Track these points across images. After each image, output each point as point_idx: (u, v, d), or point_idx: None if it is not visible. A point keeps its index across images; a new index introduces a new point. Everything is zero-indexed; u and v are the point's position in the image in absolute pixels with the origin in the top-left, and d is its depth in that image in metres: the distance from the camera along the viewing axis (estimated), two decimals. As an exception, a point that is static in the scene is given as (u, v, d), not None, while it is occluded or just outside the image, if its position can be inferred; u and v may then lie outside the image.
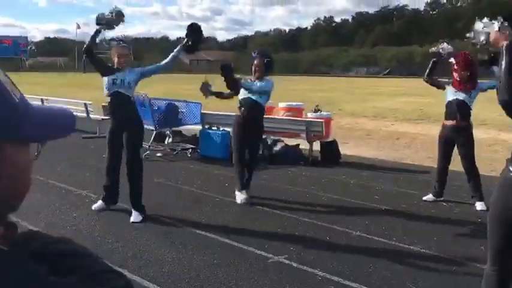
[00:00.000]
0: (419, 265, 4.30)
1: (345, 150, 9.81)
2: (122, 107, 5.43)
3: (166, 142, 9.84)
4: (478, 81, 5.91)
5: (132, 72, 5.46)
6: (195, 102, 9.80)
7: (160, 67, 5.63)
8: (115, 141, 5.50)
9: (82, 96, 15.16)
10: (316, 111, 9.17)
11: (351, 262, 4.29)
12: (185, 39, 5.64)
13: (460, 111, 5.86)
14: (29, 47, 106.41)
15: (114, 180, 5.64)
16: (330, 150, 8.76)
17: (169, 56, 5.60)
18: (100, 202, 5.70)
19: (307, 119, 8.90)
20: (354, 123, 14.86)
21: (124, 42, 5.53)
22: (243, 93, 6.16)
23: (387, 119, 15.78)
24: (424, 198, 6.22)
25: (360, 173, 7.85)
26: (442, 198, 6.20)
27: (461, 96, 5.88)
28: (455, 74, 5.90)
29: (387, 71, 73.94)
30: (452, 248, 4.67)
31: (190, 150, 9.44)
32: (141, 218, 5.37)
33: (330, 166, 8.39)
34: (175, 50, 5.58)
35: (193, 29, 5.61)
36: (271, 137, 8.94)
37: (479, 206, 5.84)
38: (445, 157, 6.10)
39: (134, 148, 5.45)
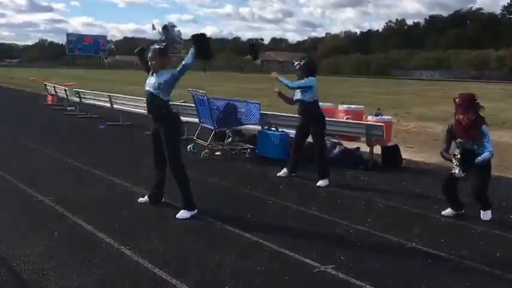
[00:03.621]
0: (481, 285, 3.95)
1: (408, 154, 9.46)
2: (151, 105, 5.60)
3: (225, 141, 9.78)
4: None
5: (164, 73, 5.48)
6: (254, 103, 9.70)
7: (185, 67, 5.49)
8: (154, 139, 5.64)
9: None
10: (377, 114, 8.84)
11: (402, 276, 4.01)
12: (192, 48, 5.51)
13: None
14: (108, 46, 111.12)
15: (157, 178, 5.81)
16: (391, 154, 8.43)
17: (187, 58, 5.48)
18: (146, 197, 5.91)
19: (367, 123, 8.58)
20: (421, 127, 14.34)
21: (157, 46, 5.60)
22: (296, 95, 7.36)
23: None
24: (443, 213, 5.73)
25: (422, 179, 7.46)
26: (462, 211, 5.69)
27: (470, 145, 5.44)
28: (460, 117, 5.42)
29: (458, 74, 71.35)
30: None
31: (248, 150, 9.35)
32: (187, 215, 5.37)
33: (391, 171, 8.05)
34: (187, 57, 5.48)
35: (198, 39, 5.56)
36: (330, 140, 8.70)
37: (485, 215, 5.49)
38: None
39: (168, 147, 5.47)
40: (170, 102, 5.69)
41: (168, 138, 5.47)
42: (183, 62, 5.43)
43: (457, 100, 5.45)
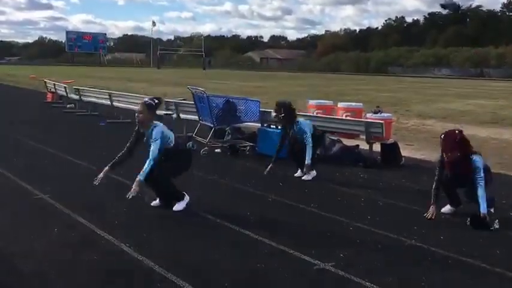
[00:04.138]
0: (481, 282, 3.96)
1: (408, 152, 9.47)
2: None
3: (225, 139, 9.79)
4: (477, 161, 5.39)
5: (149, 132, 5.40)
6: (254, 100, 9.71)
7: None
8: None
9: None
10: (376, 112, 8.85)
11: (402, 274, 4.01)
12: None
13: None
14: (107, 43, 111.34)
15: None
16: (390, 152, 8.42)
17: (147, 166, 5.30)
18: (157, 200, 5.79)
19: (367, 120, 8.59)
20: (421, 125, 14.34)
21: (148, 99, 5.51)
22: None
23: (456, 121, 15.08)
24: (442, 210, 5.71)
25: (421, 177, 7.44)
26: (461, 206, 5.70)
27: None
28: (444, 155, 5.44)
29: (457, 71, 71.41)
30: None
31: (248, 147, 9.35)
32: (182, 206, 5.50)
33: (390, 169, 8.05)
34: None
35: None
36: (330, 137, 8.70)
37: None
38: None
39: (167, 167, 5.42)
40: (174, 144, 5.57)
41: (173, 165, 5.45)
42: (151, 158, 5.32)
43: (442, 137, 5.46)
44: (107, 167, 5.48)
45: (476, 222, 5.19)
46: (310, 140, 7.16)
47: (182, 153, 5.70)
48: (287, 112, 7.30)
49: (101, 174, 5.45)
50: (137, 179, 5.24)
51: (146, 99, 5.51)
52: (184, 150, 5.71)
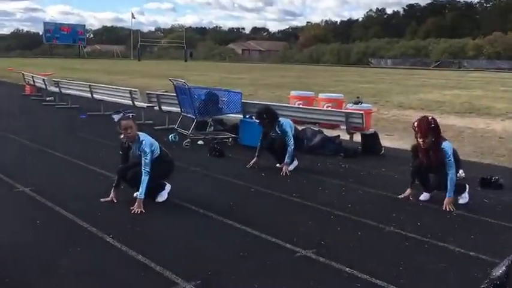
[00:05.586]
0: (456, 266, 4.07)
1: (388, 142, 9.61)
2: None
3: (207, 130, 9.84)
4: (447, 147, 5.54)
5: (139, 146, 5.37)
6: (236, 92, 9.75)
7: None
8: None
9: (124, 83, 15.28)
10: (356, 102, 8.97)
11: (381, 260, 4.13)
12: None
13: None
14: (86, 35, 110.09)
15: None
16: (371, 142, 8.56)
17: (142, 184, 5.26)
18: None
19: (347, 111, 8.70)
20: (400, 115, 14.51)
21: (127, 114, 5.40)
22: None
23: (434, 112, 15.30)
24: (420, 197, 5.87)
25: (401, 166, 7.55)
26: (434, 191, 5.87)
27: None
28: (420, 141, 5.57)
29: (438, 63, 72.04)
30: (496, 248, 4.43)
31: (230, 139, 9.41)
32: (165, 194, 5.59)
33: (370, 158, 8.19)
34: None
35: None
36: (311, 128, 8.80)
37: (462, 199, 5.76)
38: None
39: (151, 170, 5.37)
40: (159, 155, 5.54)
41: (155, 174, 5.40)
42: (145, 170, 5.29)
43: (415, 124, 5.58)
44: (112, 190, 5.48)
45: (485, 184, 6.13)
46: (292, 141, 7.16)
47: (165, 163, 5.63)
48: (270, 116, 7.31)
49: (108, 198, 5.46)
50: (138, 198, 5.22)
51: (126, 115, 5.35)
52: (167, 161, 5.67)
